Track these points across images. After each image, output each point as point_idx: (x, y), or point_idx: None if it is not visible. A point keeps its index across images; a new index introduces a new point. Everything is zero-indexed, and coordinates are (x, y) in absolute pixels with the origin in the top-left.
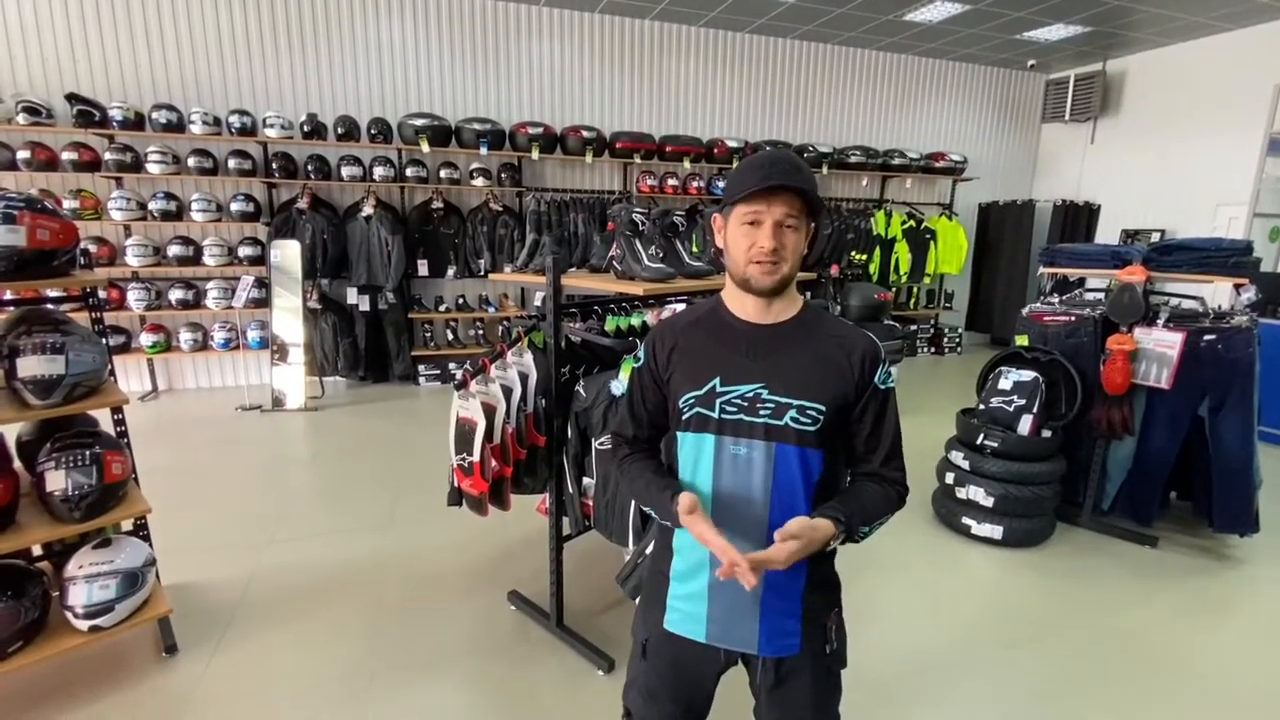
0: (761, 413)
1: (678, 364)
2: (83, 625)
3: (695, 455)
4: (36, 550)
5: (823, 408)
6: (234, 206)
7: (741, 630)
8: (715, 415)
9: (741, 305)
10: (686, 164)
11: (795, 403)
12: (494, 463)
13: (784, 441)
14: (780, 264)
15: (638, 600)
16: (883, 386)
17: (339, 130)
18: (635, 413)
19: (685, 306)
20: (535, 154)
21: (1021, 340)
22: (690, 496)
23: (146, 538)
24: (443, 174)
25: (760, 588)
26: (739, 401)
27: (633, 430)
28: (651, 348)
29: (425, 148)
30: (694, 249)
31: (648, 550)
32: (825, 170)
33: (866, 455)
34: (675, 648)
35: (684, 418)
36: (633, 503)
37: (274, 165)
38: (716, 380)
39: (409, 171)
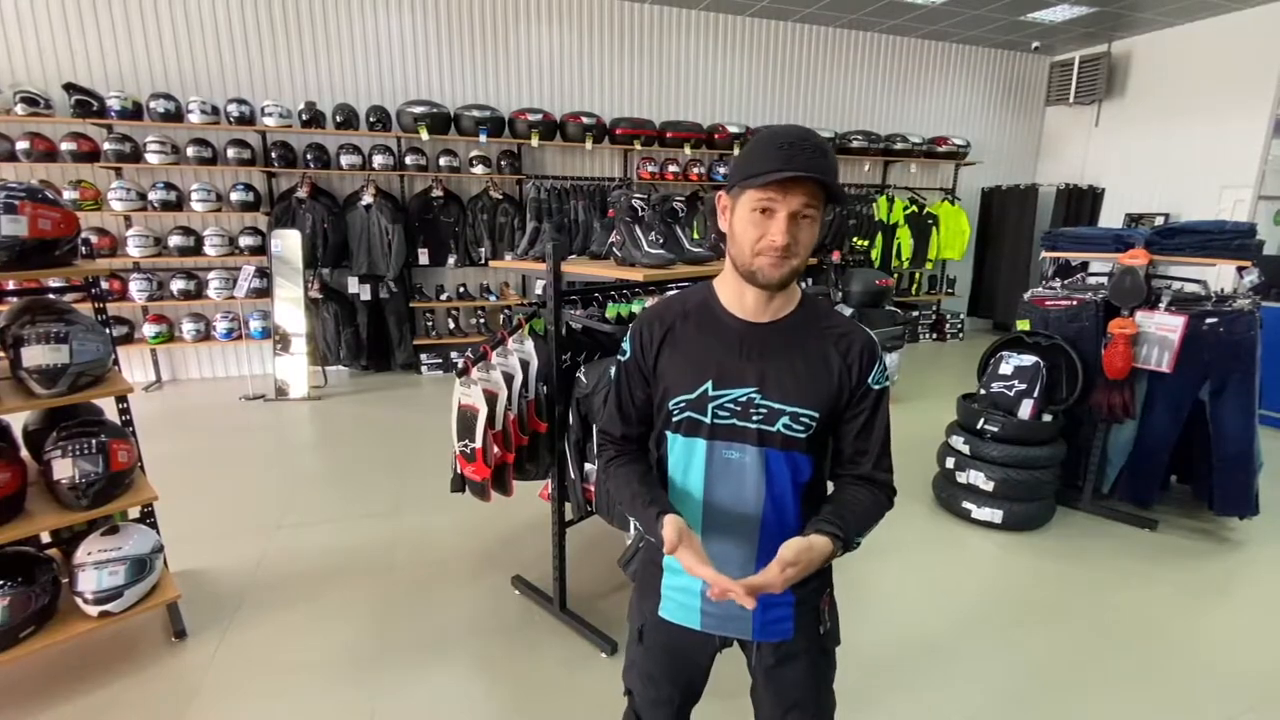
0: (754, 418)
1: (667, 360)
2: (93, 610)
3: (686, 459)
4: (45, 538)
5: (816, 414)
6: (234, 196)
7: (736, 619)
8: (707, 420)
9: (740, 299)
10: (687, 150)
11: (789, 409)
12: (496, 449)
13: (773, 447)
14: (793, 258)
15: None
16: (876, 386)
17: (337, 119)
18: (624, 411)
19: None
20: (535, 141)
21: (1023, 325)
22: (676, 523)
23: (154, 525)
24: (442, 162)
25: None
26: (731, 406)
27: (621, 429)
28: (638, 340)
29: (424, 135)
30: (694, 235)
31: None
32: None
33: (855, 457)
34: (670, 634)
35: (674, 420)
36: None
37: (273, 154)
38: (709, 384)
39: (408, 160)
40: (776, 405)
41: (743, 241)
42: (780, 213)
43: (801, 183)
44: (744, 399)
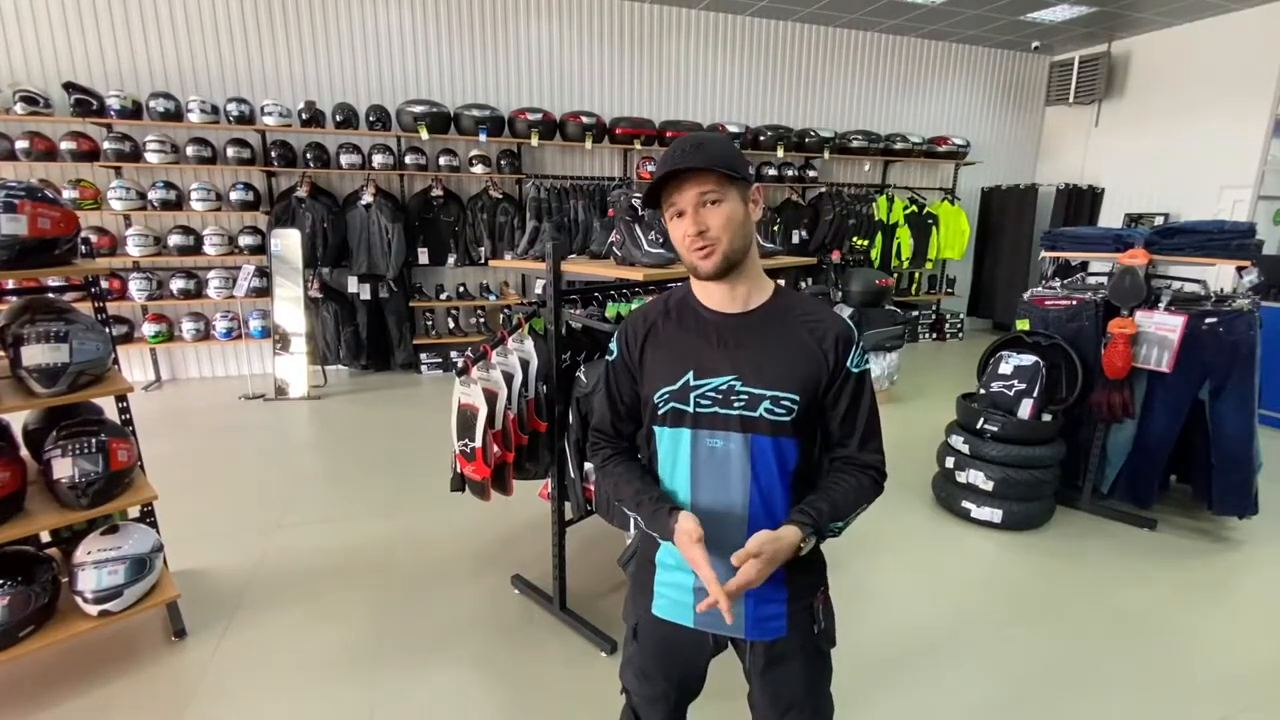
0: (736, 405)
1: (650, 357)
2: (92, 610)
3: (673, 450)
4: (45, 537)
5: (796, 397)
6: (233, 195)
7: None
8: (690, 409)
9: (708, 294)
10: None
11: (769, 394)
12: (496, 448)
13: (759, 433)
14: (715, 244)
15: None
16: (855, 369)
17: (337, 118)
18: (615, 408)
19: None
20: (535, 140)
21: (1023, 325)
22: (693, 518)
23: (154, 524)
24: (442, 161)
25: None
26: (713, 395)
27: (613, 427)
28: (623, 340)
29: (424, 135)
30: None
31: None
32: (827, 155)
33: (843, 440)
34: (664, 631)
35: (659, 412)
36: None
37: (273, 154)
38: (690, 374)
39: (408, 159)
40: (756, 390)
41: (676, 245)
42: (686, 209)
43: (686, 177)
44: (724, 387)
